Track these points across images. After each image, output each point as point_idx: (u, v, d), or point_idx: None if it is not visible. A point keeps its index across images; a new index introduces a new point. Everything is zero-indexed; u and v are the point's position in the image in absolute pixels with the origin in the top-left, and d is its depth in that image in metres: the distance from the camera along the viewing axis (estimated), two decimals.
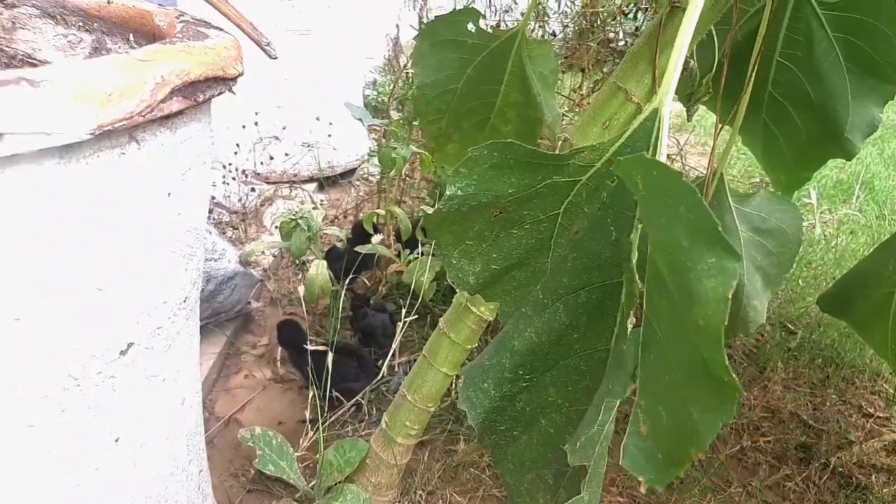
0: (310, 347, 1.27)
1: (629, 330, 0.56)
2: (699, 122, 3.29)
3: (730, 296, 0.34)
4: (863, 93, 1.06)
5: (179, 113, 0.56)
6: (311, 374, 1.27)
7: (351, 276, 1.48)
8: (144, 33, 0.79)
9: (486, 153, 0.60)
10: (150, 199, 0.57)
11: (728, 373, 0.36)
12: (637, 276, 0.51)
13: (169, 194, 0.59)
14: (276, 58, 0.69)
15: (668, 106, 0.53)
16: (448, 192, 0.62)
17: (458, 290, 1.05)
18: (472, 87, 1.21)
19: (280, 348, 1.48)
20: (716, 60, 1.01)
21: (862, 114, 1.08)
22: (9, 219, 0.47)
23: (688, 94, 1.03)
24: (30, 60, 0.76)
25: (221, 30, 0.70)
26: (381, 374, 1.33)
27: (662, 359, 0.46)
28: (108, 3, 0.83)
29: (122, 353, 0.61)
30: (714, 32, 1.02)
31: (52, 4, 0.82)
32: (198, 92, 0.56)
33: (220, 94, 0.61)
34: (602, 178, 0.60)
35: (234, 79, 0.63)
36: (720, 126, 1.07)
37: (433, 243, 0.75)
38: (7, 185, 0.45)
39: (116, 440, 0.65)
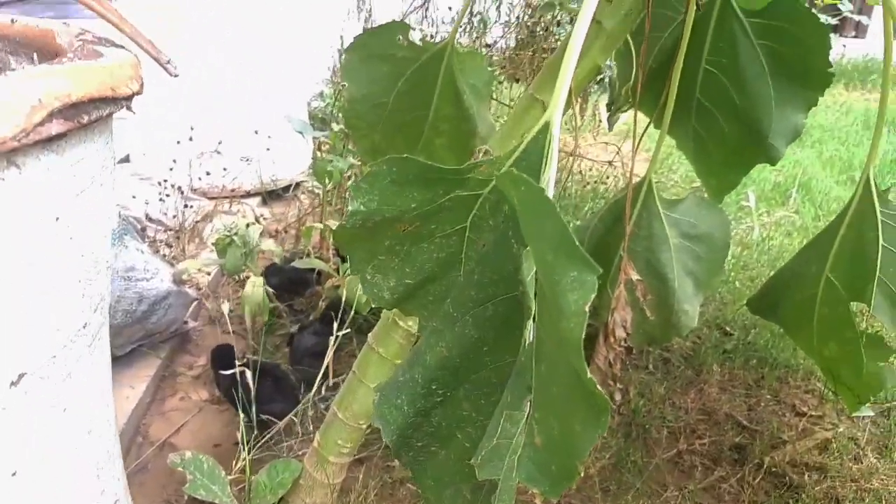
0: (229, 371, 1.24)
1: (526, 343, 0.56)
2: (641, 127, 3.34)
3: (587, 308, 0.34)
4: (786, 99, 1.08)
5: (63, 135, 0.54)
6: (236, 397, 1.25)
7: (286, 293, 1.46)
8: (48, 52, 0.77)
9: (386, 168, 0.59)
10: (36, 224, 0.55)
11: (594, 385, 0.36)
12: (530, 290, 0.51)
13: (57, 219, 0.57)
14: (176, 75, 0.67)
15: (559, 119, 0.53)
16: (351, 208, 0.62)
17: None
18: (404, 100, 1.21)
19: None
20: (634, 69, 1.02)
21: (785, 120, 1.10)
22: None
23: (608, 103, 1.05)
24: None
25: (122, 48, 0.68)
26: (310, 394, 1.31)
27: (550, 371, 0.47)
28: (12, 22, 0.80)
29: (13, 384, 0.58)
30: (631, 42, 1.04)
31: None
32: (82, 113, 0.54)
33: (109, 114, 0.59)
34: (503, 192, 0.60)
35: (128, 98, 0.61)
36: (641, 134, 1.08)
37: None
38: None
39: (13, 474, 0.63)
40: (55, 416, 0.65)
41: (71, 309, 0.62)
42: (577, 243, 0.35)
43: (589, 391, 0.38)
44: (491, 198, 0.61)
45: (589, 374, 0.35)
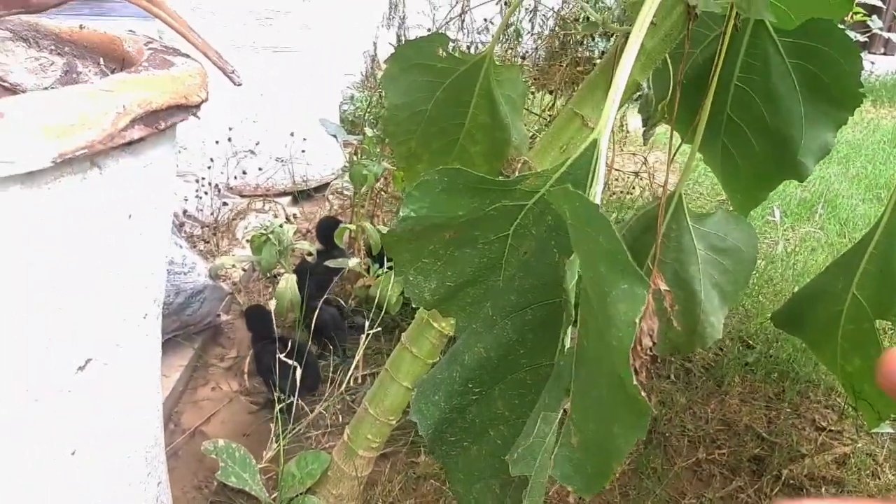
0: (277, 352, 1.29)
1: (566, 347, 0.59)
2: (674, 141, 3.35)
3: (637, 320, 0.37)
4: (816, 118, 1.10)
5: (141, 139, 0.58)
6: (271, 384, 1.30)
7: (313, 291, 1.51)
8: (114, 58, 0.81)
9: (437, 178, 0.63)
10: (112, 221, 0.59)
11: (638, 392, 0.39)
12: (572, 298, 0.54)
13: (130, 216, 0.61)
14: (240, 84, 0.71)
15: (607, 138, 0.56)
16: (402, 214, 0.65)
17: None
18: (441, 109, 1.24)
19: (248, 360, 1.50)
20: (670, 87, 1.05)
21: (815, 138, 1.12)
22: None
23: (644, 118, 1.08)
24: (1, 83, 0.78)
25: (188, 57, 0.72)
26: (343, 384, 1.36)
27: (591, 376, 0.50)
28: (80, 28, 0.85)
29: (81, 368, 0.63)
30: (669, 60, 1.07)
31: (25, 28, 0.84)
32: (160, 120, 0.58)
33: (182, 120, 0.63)
34: (547, 203, 0.64)
35: (197, 106, 0.65)
36: (675, 149, 1.11)
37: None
38: None
39: (73, 453, 0.67)
40: (113, 401, 0.69)
41: (135, 300, 0.66)
42: (629, 258, 0.38)
43: (632, 396, 0.41)
44: (535, 209, 0.64)
45: (635, 381, 0.38)
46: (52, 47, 0.83)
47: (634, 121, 2.60)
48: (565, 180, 0.57)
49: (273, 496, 1.17)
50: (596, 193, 0.51)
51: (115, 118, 0.53)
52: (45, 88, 0.73)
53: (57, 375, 0.61)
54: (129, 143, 0.57)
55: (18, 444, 0.61)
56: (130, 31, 0.81)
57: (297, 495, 1.16)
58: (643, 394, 0.41)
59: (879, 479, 1.35)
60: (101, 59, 0.82)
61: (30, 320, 0.56)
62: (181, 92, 0.60)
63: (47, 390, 0.61)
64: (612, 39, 2.25)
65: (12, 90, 0.72)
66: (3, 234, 0.50)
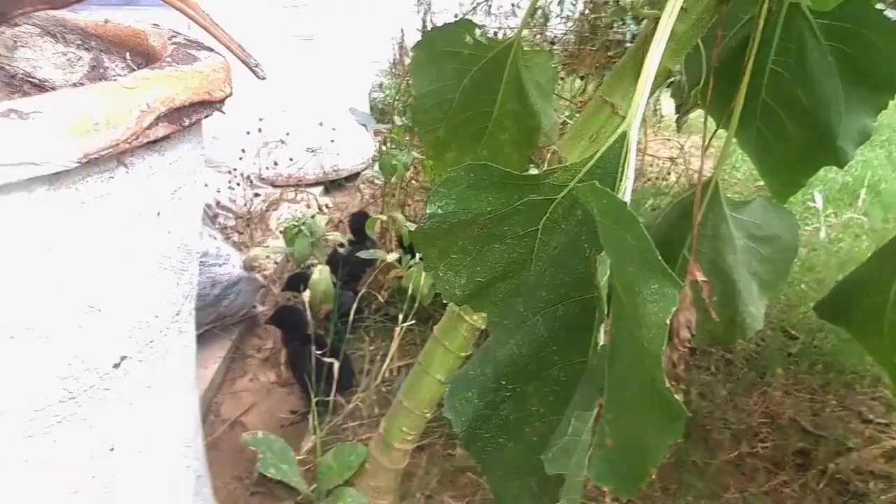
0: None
1: (599, 346, 0.58)
2: (709, 127, 3.27)
3: (668, 321, 0.36)
4: (855, 102, 1.06)
5: (166, 137, 0.58)
6: (306, 377, 1.31)
7: (345, 280, 1.51)
8: (140, 52, 0.81)
9: (464, 174, 0.61)
10: (140, 219, 0.59)
11: (672, 394, 0.38)
12: (604, 295, 0.52)
13: (159, 214, 0.61)
14: (264, 78, 0.71)
15: (636, 129, 0.54)
16: (429, 211, 0.64)
17: None
18: (470, 96, 1.23)
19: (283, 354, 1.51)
20: (703, 72, 1.02)
21: (854, 122, 1.08)
22: (2, 244, 0.49)
23: (677, 105, 1.05)
24: (29, 79, 0.79)
25: (212, 50, 0.72)
26: (379, 377, 1.36)
27: (623, 376, 0.48)
28: (105, 22, 0.85)
29: (116, 366, 0.63)
30: (702, 45, 1.03)
31: (52, 23, 0.85)
32: (184, 117, 0.58)
33: (207, 116, 0.63)
34: (576, 198, 0.62)
35: (221, 101, 0.65)
36: (710, 135, 1.08)
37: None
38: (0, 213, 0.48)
39: (112, 449, 0.68)
40: (150, 397, 0.70)
41: (167, 297, 0.67)
42: (659, 257, 0.36)
43: (665, 399, 0.39)
44: (564, 203, 0.63)
45: (667, 384, 0.37)
46: (79, 42, 0.83)
47: (669, 104, 2.55)
48: (594, 174, 0.55)
49: (312, 487, 1.18)
50: (626, 189, 0.49)
51: (140, 116, 0.53)
52: (73, 84, 0.74)
53: (92, 374, 0.62)
54: (155, 142, 0.57)
55: (58, 442, 0.62)
56: (155, 24, 0.81)
57: (335, 487, 1.17)
58: (677, 396, 0.40)
59: None
60: (128, 54, 0.82)
61: (63, 320, 0.56)
62: (205, 87, 0.60)
63: (84, 388, 0.62)
64: (643, 22, 2.19)
65: (41, 86, 0.73)
66: (31, 236, 0.50)
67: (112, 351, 0.62)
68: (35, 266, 0.52)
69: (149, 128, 0.54)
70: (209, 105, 0.63)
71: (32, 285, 0.53)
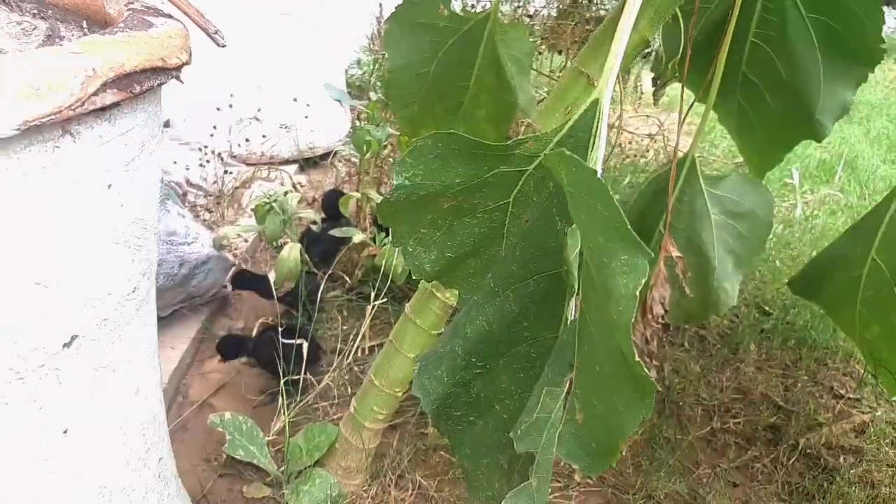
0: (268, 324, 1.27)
1: (569, 320, 0.56)
2: (687, 101, 3.27)
3: (637, 293, 0.34)
4: (835, 75, 1.06)
5: (116, 105, 0.55)
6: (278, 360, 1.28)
7: (317, 259, 1.49)
8: (97, 20, 0.78)
9: (431, 144, 0.59)
10: (89, 191, 0.56)
11: (641, 367, 0.36)
12: (574, 268, 0.51)
13: (110, 186, 0.58)
14: (224, 46, 0.68)
15: (608, 97, 0.52)
16: (396, 182, 0.62)
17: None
18: (445, 70, 1.20)
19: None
20: (681, 43, 1.00)
21: (833, 96, 1.07)
22: None
23: (654, 77, 1.03)
24: None
25: (170, 17, 0.68)
26: (350, 355, 1.34)
27: (593, 350, 0.47)
28: None
29: (66, 345, 0.60)
30: (680, 15, 1.02)
31: None
32: (134, 83, 0.55)
33: (161, 84, 0.60)
34: (548, 169, 0.60)
35: (177, 68, 0.62)
36: (688, 108, 1.06)
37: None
38: None
39: (65, 432, 0.65)
40: (105, 377, 0.67)
41: (121, 274, 0.64)
42: (629, 227, 0.34)
43: (635, 373, 0.38)
44: (535, 174, 0.61)
45: (637, 358, 0.35)
46: (35, 11, 0.79)
47: (649, 81, 2.53)
48: (565, 144, 0.53)
49: (282, 469, 1.16)
50: (597, 158, 0.47)
51: (85, 81, 0.50)
52: None
53: (41, 352, 0.59)
54: (104, 109, 0.54)
55: (6, 425, 0.59)
56: None
57: (304, 468, 1.15)
58: (650, 372, 0.38)
59: None
60: (85, 22, 0.78)
61: (7, 297, 0.54)
62: (158, 54, 0.57)
63: (32, 368, 0.59)
64: None
65: None
66: None
67: (62, 329, 0.59)
68: None
69: (95, 94, 0.51)
70: (163, 72, 0.60)
71: None
